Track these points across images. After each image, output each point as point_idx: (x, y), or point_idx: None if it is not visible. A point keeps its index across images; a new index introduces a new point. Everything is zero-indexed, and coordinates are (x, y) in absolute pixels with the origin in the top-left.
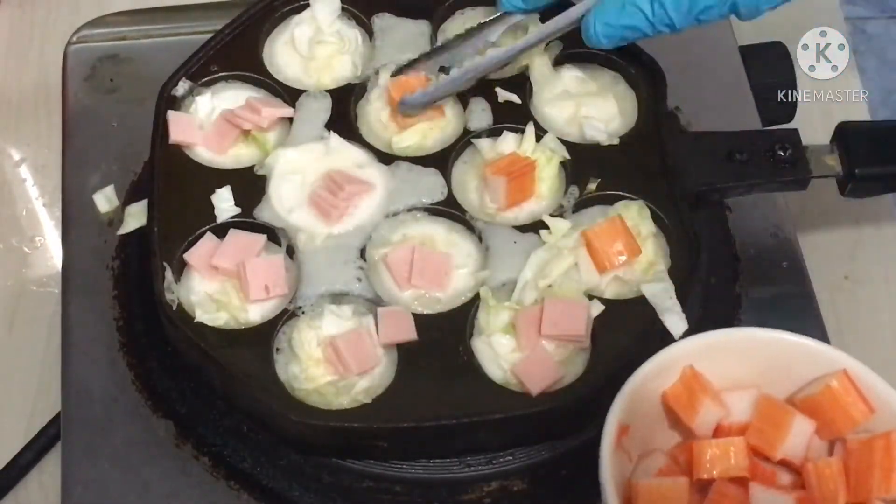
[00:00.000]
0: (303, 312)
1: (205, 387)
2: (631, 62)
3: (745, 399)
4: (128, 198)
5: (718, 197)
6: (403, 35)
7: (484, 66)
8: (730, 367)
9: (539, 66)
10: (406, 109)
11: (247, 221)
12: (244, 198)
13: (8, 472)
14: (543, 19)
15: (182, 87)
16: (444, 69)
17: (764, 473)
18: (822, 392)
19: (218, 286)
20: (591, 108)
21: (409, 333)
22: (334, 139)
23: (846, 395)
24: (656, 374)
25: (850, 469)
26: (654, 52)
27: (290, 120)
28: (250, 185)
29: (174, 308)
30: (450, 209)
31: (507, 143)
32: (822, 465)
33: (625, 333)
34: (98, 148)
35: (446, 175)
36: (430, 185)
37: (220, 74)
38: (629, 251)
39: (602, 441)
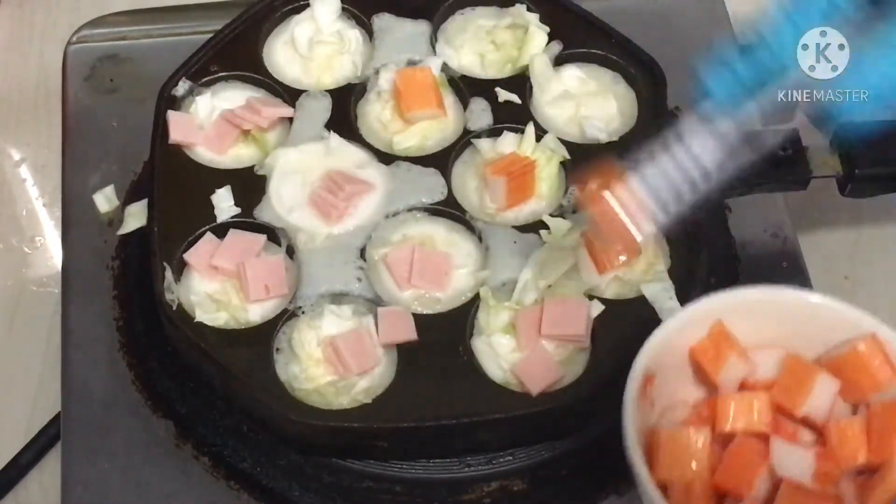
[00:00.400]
0: (303, 312)
1: (205, 387)
2: (631, 62)
3: (772, 357)
4: (128, 198)
5: (719, 197)
6: (403, 35)
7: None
8: (758, 326)
9: (539, 66)
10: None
11: (247, 221)
12: (244, 198)
13: (8, 472)
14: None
15: (182, 87)
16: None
17: (786, 430)
18: (849, 353)
19: (218, 286)
20: (591, 108)
21: (409, 333)
22: (334, 139)
23: (873, 358)
24: (685, 327)
25: (873, 429)
26: (654, 52)
27: (290, 120)
28: (250, 185)
29: (174, 308)
30: (450, 209)
31: (507, 143)
32: (844, 425)
33: (625, 333)
34: (98, 148)
35: (446, 175)
36: (430, 185)
37: (220, 74)
38: (629, 251)
39: (627, 387)
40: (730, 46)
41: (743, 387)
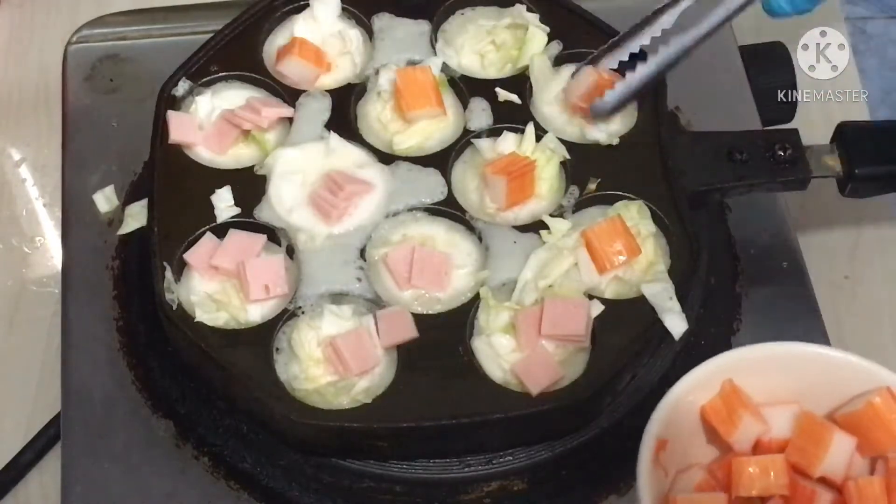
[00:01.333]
0: (303, 312)
1: (205, 387)
2: None
3: (785, 414)
4: (128, 198)
5: (718, 197)
6: (403, 35)
7: (671, 55)
8: (770, 382)
9: (539, 65)
10: (598, 114)
11: (247, 221)
12: (244, 198)
13: (8, 472)
14: None
15: (182, 87)
16: (624, 64)
17: (804, 492)
18: (865, 408)
19: (218, 286)
20: None
21: (409, 332)
22: (334, 139)
23: (889, 412)
24: (695, 387)
25: (893, 487)
26: None
27: (290, 120)
28: (250, 185)
29: (174, 308)
30: (450, 209)
31: (507, 143)
32: (863, 484)
33: (625, 333)
34: (98, 148)
35: (446, 175)
36: (430, 185)
37: (220, 74)
38: (629, 251)
39: (640, 456)
40: None
41: (757, 446)
